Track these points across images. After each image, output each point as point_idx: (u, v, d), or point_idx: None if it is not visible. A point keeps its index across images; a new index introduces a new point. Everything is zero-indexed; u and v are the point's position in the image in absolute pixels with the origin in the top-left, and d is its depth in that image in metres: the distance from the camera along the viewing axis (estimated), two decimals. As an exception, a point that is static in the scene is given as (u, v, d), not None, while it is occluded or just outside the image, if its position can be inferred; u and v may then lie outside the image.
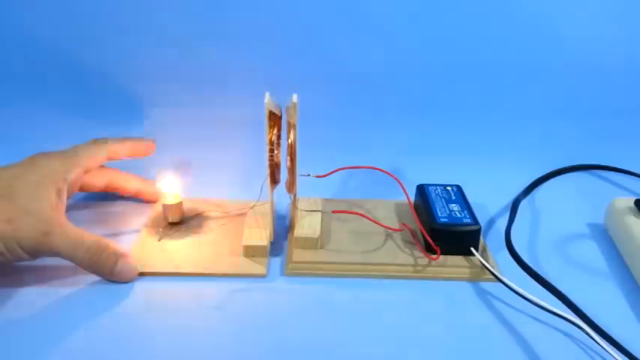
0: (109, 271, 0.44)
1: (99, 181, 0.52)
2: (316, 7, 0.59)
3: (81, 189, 0.51)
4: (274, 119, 0.46)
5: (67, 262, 0.43)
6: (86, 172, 0.49)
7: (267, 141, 0.46)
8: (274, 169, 0.47)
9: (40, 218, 0.42)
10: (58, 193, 0.45)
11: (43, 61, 0.60)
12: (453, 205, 0.50)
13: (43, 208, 0.43)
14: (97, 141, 0.50)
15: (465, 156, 0.63)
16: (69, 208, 0.47)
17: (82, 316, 0.41)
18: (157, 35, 0.59)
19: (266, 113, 0.44)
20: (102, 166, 0.52)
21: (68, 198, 0.47)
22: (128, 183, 0.54)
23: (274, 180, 0.48)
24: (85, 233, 0.44)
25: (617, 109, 0.67)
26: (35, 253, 0.42)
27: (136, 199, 0.55)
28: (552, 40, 0.62)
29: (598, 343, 0.39)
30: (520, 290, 0.43)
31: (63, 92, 0.61)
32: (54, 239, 0.42)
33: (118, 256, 0.44)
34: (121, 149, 0.51)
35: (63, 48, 0.59)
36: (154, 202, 0.54)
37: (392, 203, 0.55)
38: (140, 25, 0.58)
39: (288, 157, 0.48)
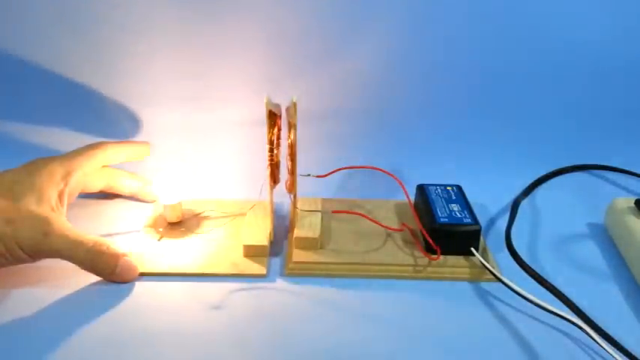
0: (110, 272, 0.44)
1: (98, 182, 0.52)
2: (316, 7, 0.59)
3: (81, 191, 0.51)
4: (274, 119, 0.46)
5: (67, 263, 0.43)
6: (85, 175, 0.49)
7: (267, 141, 0.46)
8: (274, 168, 0.47)
9: (40, 219, 0.42)
10: (59, 195, 0.45)
11: (38, 64, 0.60)
12: (453, 205, 0.50)
13: (43, 210, 0.43)
14: (95, 145, 0.50)
15: (466, 156, 0.63)
16: (69, 209, 0.47)
17: (83, 317, 0.41)
18: (155, 35, 0.59)
19: (266, 113, 0.44)
20: (101, 167, 0.52)
21: (70, 201, 0.47)
22: (126, 183, 0.54)
23: (274, 180, 0.48)
24: (84, 234, 0.44)
25: (617, 109, 0.67)
26: (35, 254, 0.42)
27: (135, 199, 0.55)
28: (552, 40, 0.62)
29: (598, 343, 0.39)
30: (520, 290, 0.43)
31: (60, 94, 0.61)
32: (54, 240, 0.42)
33: (118, 256, 0.44)
34: (118, 153, 0.52)
35: (59, 50, 0.59)
36: (152, 201, 0.54)
37: (392, 203, 0.55)
38: (138, 24, 0.58)
39: (288, 157, 0.48)
